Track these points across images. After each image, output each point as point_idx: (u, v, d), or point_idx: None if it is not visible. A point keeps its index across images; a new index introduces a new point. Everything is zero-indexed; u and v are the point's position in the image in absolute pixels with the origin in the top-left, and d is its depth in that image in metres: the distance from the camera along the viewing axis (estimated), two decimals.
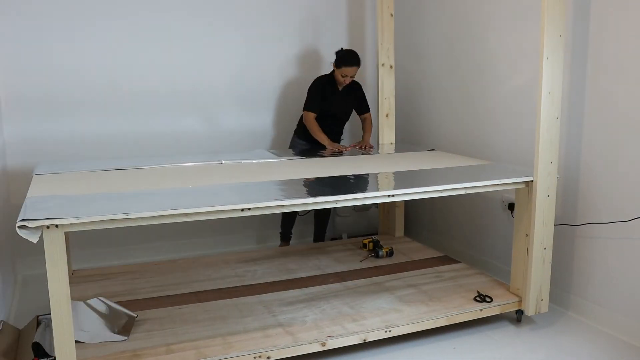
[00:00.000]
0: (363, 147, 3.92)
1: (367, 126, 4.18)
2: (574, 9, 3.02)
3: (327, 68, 4.57)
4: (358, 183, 2.79)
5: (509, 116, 3.56)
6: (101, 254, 4.03)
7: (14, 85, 3.73)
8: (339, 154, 3.70)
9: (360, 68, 3.90)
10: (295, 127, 4.18)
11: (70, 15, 3.79)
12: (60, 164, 3.37)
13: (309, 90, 3.99)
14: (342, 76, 3.84)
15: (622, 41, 2.80)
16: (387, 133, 4.15)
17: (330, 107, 3.98)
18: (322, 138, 3.87)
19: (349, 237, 4.46)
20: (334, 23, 4.56)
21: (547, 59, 2.76)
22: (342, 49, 3.93)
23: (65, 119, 3.87)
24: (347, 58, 3.83)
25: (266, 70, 4.37)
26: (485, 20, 3.69)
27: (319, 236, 4.34)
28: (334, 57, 3.90)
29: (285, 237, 4.28)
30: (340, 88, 3.99)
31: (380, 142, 4.16)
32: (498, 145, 3.67)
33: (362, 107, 4.15)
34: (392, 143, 4.17)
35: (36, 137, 3.82)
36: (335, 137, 4.11)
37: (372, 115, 4.23)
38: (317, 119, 3.94)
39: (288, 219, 4.25)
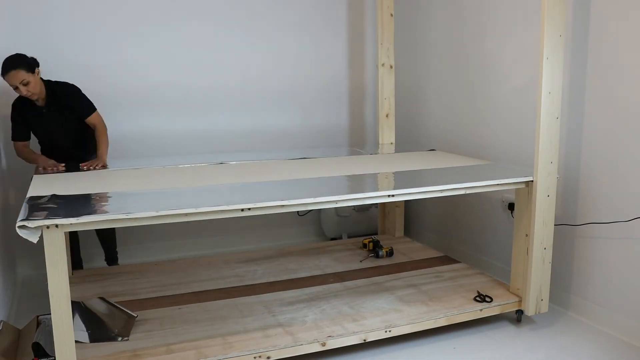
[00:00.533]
0: (91, 167, 3.16)
1: (97, 135, 3.37)
2: (574, 9, 3.02)
3: (326, 68, 4.57)
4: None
5: (509, 116, 3.56)
6: (101, 254, 4.03)
7: None
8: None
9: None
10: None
11: (70, 16, 3.79)
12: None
13: (10, 118, 3.33)
14: (15, 88, 3.13)
15: (622, 41, 2.80)
16: (387, 133, 4.16)
17: (41, 130, 3.35)
18: (38, 160, 3.24)
19: (349, 237, 4.46)
20: (334, 23, 4.55)
21: (547, 59, 2.76)
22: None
23: None
24: (2, 67, 3.10)
25: (265, 70, 4.37)
26: (485, 20, 3.69)
27: (110, 258, 3.81)
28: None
29: (77, 266, 3.71)
30: (42, 105, 3.29)
31: (380, 142, 4.16)
32: (498, 145, 3.67)
33: (80, 111, 3.37)
34: (392, 143, 4.17)
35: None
36: (82, 154, 3.43)
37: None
38: (44, 144, 3.40)
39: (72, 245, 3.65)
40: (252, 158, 3.54)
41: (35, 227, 2.04)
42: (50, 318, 2.12)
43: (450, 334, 2.94)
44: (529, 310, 2.95)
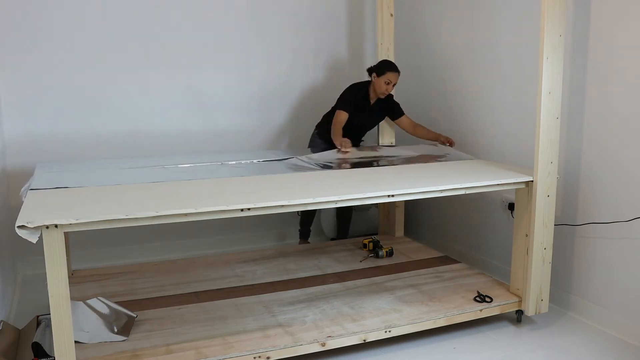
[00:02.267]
0: (448, 142, 3.79)
1: (421, 127, 3.97)
2: (574, 9, 3.02)
3: (326, 68, 4.57)
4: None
5: (509, 116, 3.55)
6: (101, 254, 4.03)
7: (14, 84, 3.73)
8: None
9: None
10: (315, 126, 4.08)
11: (71, 16, 3.79)
12: (60, 164, 3.37)
13: (345, 93, 3.86)
14: (386, 83, 3.73)
15: (622, 41, 2.80)
16: (387, 133, 4.15)
17: (358, 120, 3.86)
18: (338, 140, 3.67)
19: (349, 237, 4.45)
20: (334, 23, 4.55)
21: (547, 59, 2.76)
22: (382, 60, 3.86)
23: (65, 119, 3.87)
24: (390, 64, 3.77)
25: (264, 70, 4.37)
26: (485, 20, 3.69)
27: (342, 232, 4.32)
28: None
29: (305, 235, 4.27)
30: (372, 102, 3.86)
31: (380, 142, 4.15)
32: (498, 145, 3.66)
33: (396, 112, 3.98)
34: (392, 143, 4.16)
35: (36, 137, 3.82)
36: (356, 143, 4.02)
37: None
38: (350, 125, 3.81)
39: (307, 217, 4.23)
40: (251, 157, 3.54)
41: (34, 227, 2.04)
42: (50, 318, 2.12)
43: (450, 334, 2.94)
44: (529, 311, 2.95)
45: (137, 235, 4.14)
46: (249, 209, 2.33)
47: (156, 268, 3.54)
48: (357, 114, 3.83)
